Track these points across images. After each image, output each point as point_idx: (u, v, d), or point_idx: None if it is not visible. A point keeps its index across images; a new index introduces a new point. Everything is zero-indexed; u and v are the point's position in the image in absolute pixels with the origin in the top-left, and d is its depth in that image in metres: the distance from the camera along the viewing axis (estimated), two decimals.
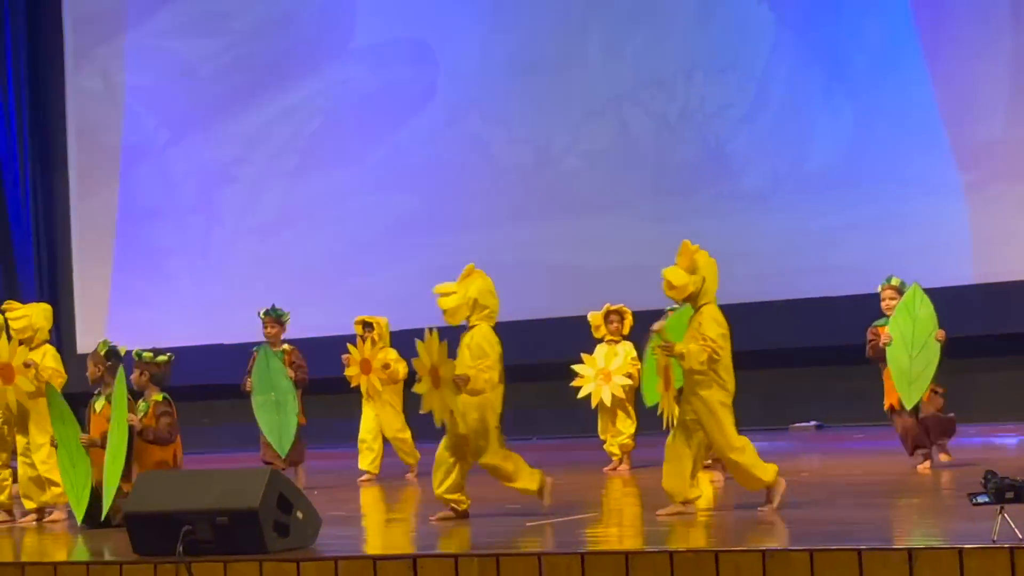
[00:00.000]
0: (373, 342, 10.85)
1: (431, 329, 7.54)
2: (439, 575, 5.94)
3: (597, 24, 15.04)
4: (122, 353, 8.89)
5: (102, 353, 8.84)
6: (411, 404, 8.83)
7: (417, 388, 7.51)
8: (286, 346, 10.70)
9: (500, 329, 13.41)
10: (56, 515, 9.05)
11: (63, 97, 17.15)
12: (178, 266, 16.49)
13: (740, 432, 7.29)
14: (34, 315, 9.44)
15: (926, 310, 9.21)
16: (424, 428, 8.59)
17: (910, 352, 9.14)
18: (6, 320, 9.48)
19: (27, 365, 8.99)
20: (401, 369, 10.97)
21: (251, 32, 16.46)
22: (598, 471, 10.94)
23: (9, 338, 9.21)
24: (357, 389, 10.98)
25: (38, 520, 9.10)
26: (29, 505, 9.20)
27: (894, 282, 9.54)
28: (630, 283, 14.36)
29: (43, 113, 17.28)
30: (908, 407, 9.13)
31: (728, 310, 7.57)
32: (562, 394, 13.79)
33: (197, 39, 16.63)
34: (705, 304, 7.36)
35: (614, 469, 10.97)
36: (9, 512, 9.29)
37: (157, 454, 8.41)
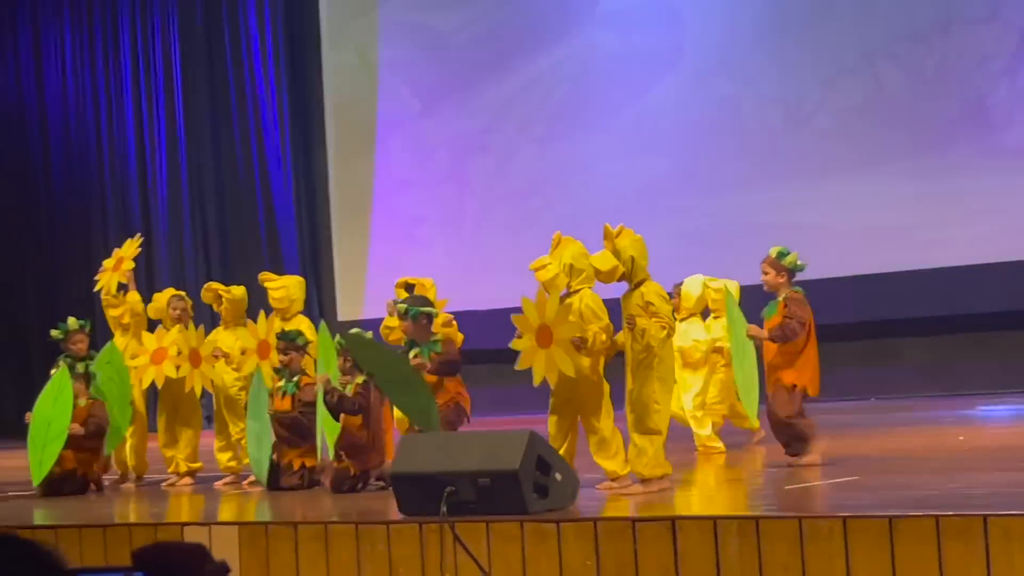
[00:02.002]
0: None
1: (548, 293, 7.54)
2: (698, 537, 5.94)
3: None
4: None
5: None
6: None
7: (515, 344, 7.46)
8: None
9: (754, 293, 13.26)
10: (252, 477, 9.46)
11: (320, 73, 17.64)
12: (432, 235, 16.81)
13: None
14: (291, 286, 9.76)
15: (737, 308, 8.37)
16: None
17: (740, 357, 8.27)
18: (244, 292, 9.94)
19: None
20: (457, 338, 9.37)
21: (500, 1, 16.62)
22: (863, 434, 10.80)
23: (266, 312, 9.58)
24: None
25: (237, 483, 9.52)
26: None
27: (772, 253, 8.22)
28: (885, 243, 14.08)
29: (301, 89, 17.82)
30: (752, 417, 8.22)
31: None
32: (824, 357, 13.57)
33: (448, 10, 16.88)
34: (643, 281, 7.33)
35: None
36: (236, 474, 9.68)
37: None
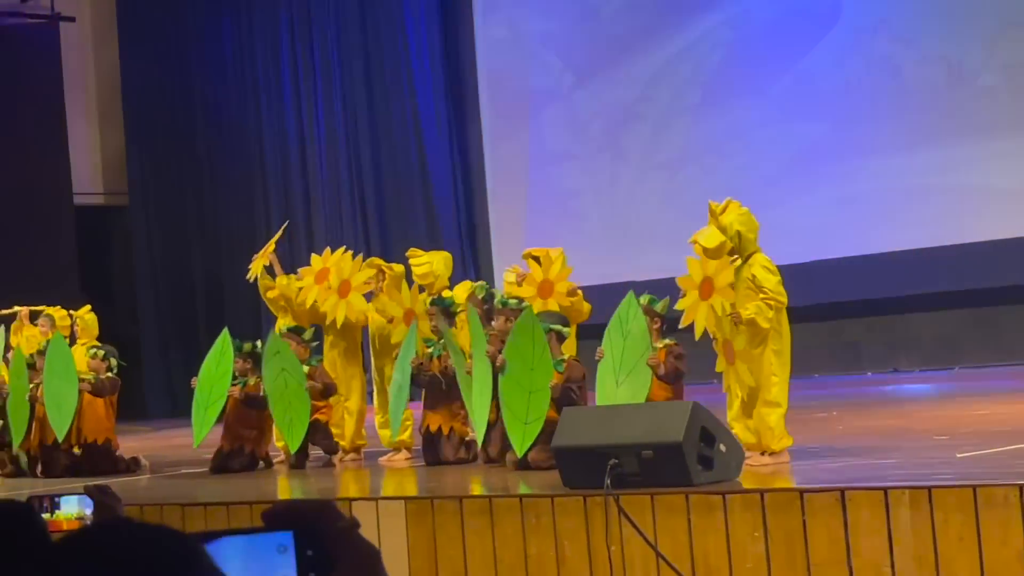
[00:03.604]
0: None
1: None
2: (868, 507, 5.83)
3: None
4: (479, 295, 9.18)
5: (480, 296, 9.15)
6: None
7: (680, 304, 7.50)
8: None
9: (918, 256, 12.91)
10: (394, 455, 9.55)
11: (473, 48, 17.69)
12: (587, 206, 16.76)
13: None
14: (435, 262, 9.84)
15: (638, 326, 7.87)
16: None
17: (616, 376, 7.82)
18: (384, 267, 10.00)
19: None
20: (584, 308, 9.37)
21: None
22: None
23: (410, 284, 9.66)
24: None
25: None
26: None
27: (643, 301, 8.05)
28: None
29: (455, 64, 17.89)
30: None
31: None
32: (990, 321, 13.24)
33: None
34: (752, 254, 7.30)
35: None
36: (409, 449, 9.74)
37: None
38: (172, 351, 19.27)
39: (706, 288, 7.38)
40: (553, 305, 9.03)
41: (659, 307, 8.16)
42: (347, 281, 9.78)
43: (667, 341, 8.11)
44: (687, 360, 8.13)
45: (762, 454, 7.30)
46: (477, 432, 8.62)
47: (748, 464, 7.12)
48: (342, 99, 18.60)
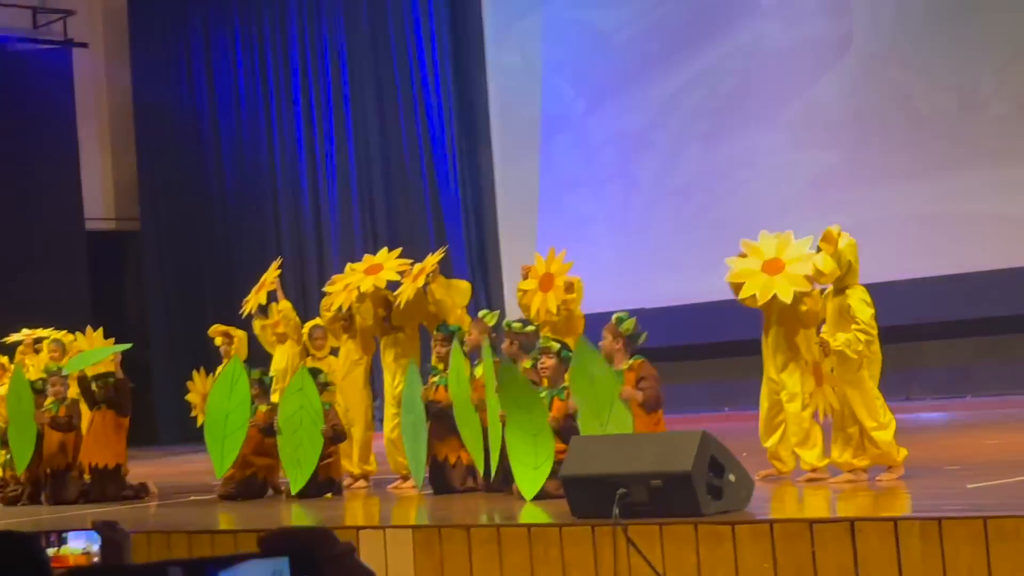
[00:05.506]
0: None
1: None
2: (878, 538, 5.80)
3: None
4: (491, 323, 9.19)
5: (491, 324, 9.16)
6: None
7: (730, 260, 7.83)
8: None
9: (930, 284, 12.83)
10: (402, 483, 9.53)
11: (484, 74, 17.71)
12: (599, 233, 16.73)
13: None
14: (452, 291, 9.93)
15: (599, 367, 7.84)
16: None
17: (599, 419, 7.78)
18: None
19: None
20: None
21: None
22: None
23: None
24: None
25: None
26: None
27: (612, 319, 8.07)
28: None
29: (466, 91, 17.91)
30: None
31: None
32: (1003, 349, 13.22)
33: (610, 8, 16.78)
34: (851, 287, 7.50)
35: None
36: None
37: None
38: (183, 377, 19.21)
39: (773, 265, 7.66)
40: (551, 299, 9.05)
41: (624, 327, 8.13)
42: (424, 267, 9.79)
43: (632, 361, 8.06)
44: (660, 382, 8.07)
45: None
46: (477, 462, 8.60)
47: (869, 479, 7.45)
48: (353, 124, 18.64)
